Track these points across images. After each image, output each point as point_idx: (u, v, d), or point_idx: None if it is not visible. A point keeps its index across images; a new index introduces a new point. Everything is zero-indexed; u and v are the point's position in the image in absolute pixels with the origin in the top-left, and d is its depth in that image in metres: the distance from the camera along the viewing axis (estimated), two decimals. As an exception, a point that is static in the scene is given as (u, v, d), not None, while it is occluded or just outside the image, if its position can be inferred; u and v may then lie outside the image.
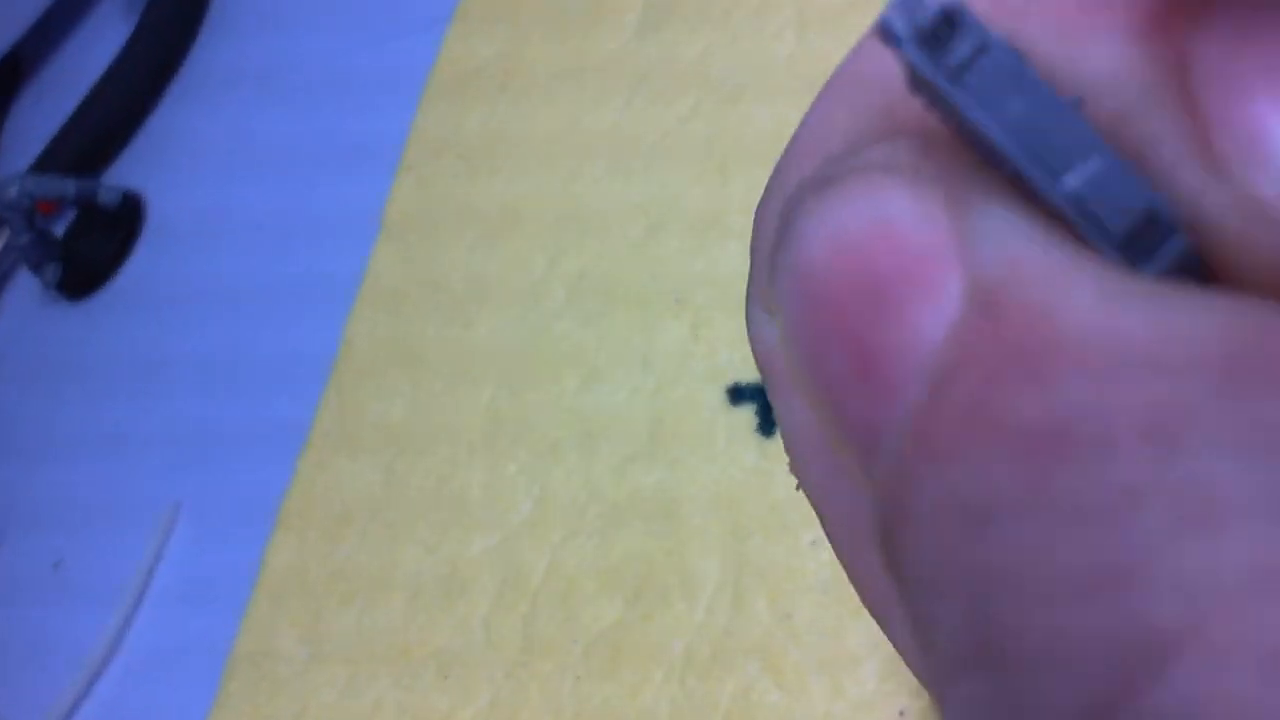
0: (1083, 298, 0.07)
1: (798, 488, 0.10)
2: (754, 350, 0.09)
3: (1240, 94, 0.07)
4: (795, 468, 0.09)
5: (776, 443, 0.34)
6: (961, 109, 0.07)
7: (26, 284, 0.59)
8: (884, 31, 0.08)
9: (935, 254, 0.07)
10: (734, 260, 0.38)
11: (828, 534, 0.10)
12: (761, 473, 0.34)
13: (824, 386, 0.08)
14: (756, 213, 0.09)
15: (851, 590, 0.32)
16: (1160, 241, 0.07)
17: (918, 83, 0.08)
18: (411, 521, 0.38)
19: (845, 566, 0.10)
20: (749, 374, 0.36)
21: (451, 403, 0.40)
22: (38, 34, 0.67)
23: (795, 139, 0.09)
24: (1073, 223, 0.07)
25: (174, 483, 0.46)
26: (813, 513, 0.33)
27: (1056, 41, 0.07)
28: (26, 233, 0.53)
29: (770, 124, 0.40)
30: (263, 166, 0.53)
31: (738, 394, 0.35)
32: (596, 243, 0.41)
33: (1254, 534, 0.06)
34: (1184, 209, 0.07)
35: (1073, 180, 0.07)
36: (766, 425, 0.34)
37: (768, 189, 0.09)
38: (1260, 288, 0.07)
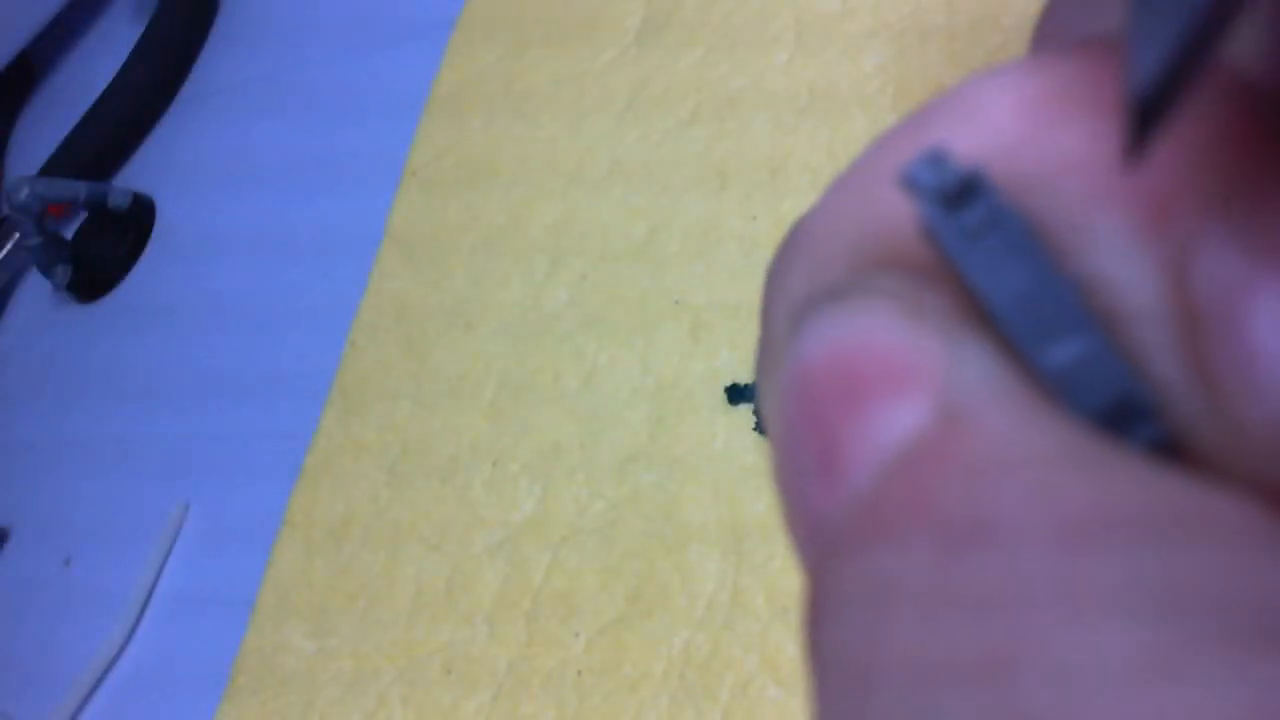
0: (1034, 431, 0.07)
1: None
2: (765, 423, 0.10)
3: (1241, 314, 0.07)
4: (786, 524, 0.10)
5: (774, 442, 0.34)
6: (968, 272, 0.08)
7: (37, 286, 0.59)
8: (906, 183, 0.08)
9: (914, 370, 0.08)
10: (732, 263, 0.38)
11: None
12: (760, 471, 0.34)
13: (789, 472, 0.08)
14: (765, 290, 0.10)
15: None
16: (1135, 425, 0.07)
17: (929, 236, 0.08)
18: (415, 520, 0.39)
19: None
20: (747, 374, 0.36)
21: (454, 403, 0.40)
22: (47, 39, 0.68)
23: (804, 233, 0.10)
24: (1054, 392, 0.07)
25: (182, 485, 0.47)
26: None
27: (1068, 217, 0.08)
28: (37, 235, 0.54)
29: (768, 130, 0.40)
30: (269, 173, 0.54)
31: (737, 394, 0.36)
32: (597, 246, 0.41)
33: (1131, 626, 0.06)
34: (1166, 405, 0.07)
35: (1058, 355, 0.07)
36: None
37: (774, 272, 0.10)
38: (1230, 480, 0.07)
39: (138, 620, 0.44)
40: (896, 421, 0.08)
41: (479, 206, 0.44)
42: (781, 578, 0.32)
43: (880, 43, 0.39)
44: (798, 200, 0.38)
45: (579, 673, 0.33)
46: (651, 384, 0.37)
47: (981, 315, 0.08)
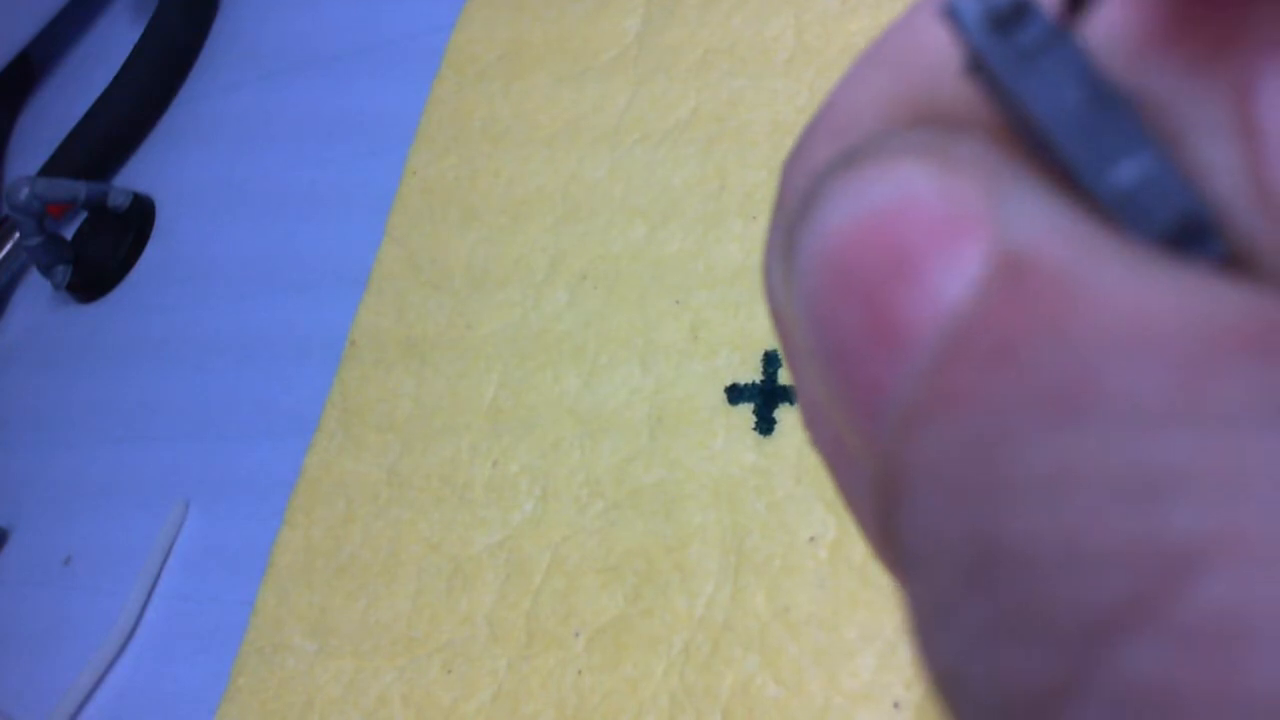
0: (1111, 266, 0.07)
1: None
2: (769, 308, 0.09)
3: None
4: (807, 425, 0.10)
5: (774, 441, 0.34)
6: (1021, 96, 0.07)
7: (37, 286, 0.59)
8: (951, 10, 0.08)
9: (962, 222, 0.07)
10: (733, 262, 0.38)
11: (839, 491, 0.10)
12: (760, 471, 0.34)
13: (833, 348, 0.08)
14: (784, 169, 0.09)
15: (848, 584, 0.32)
16: (1200, 245, 0.07)
17: (976, 66, 0.08)
18: (415, 519, 0.39)
19: (857, 521, 0.10)
20: (747, 374, 0.36)
21: (454, 402, 0.40)
22: (47, 39, 0.68)
23: (827, 106, 0.09)
24: (1115, 217, 0.07)
25: (182, 485, 0.47)
26: (810, 510, 0.33)
27: (1122, 46, 0.08)
28: (37, 235, 0.54)
29: (768, 129, 0.40)
30: (269, 173, 0.54)
31: (736, 393, 0.36)
32: (597, 244, 0.41)
33: (1256, 501, 0.06)
34: (1228, 225, 0.07)
35: (1121, 174, 0.07)
36: (764, 424, 0.35)
37: (796, 149, 0.09)
38: None
39: (138, 620, 0.44)
40: (954, 275, 0.07)
41: (479, 207, 0.44)
42: (781, 578, 0.32)
43: (880, 42, 0.39)
44: (798, 200, 0.38)
45: (579, 672, 0.33)
46: (651, 384, 0.37)
47: (1022, 157, 0.08)
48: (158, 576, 0.45)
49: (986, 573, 0.06)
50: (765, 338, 0.36)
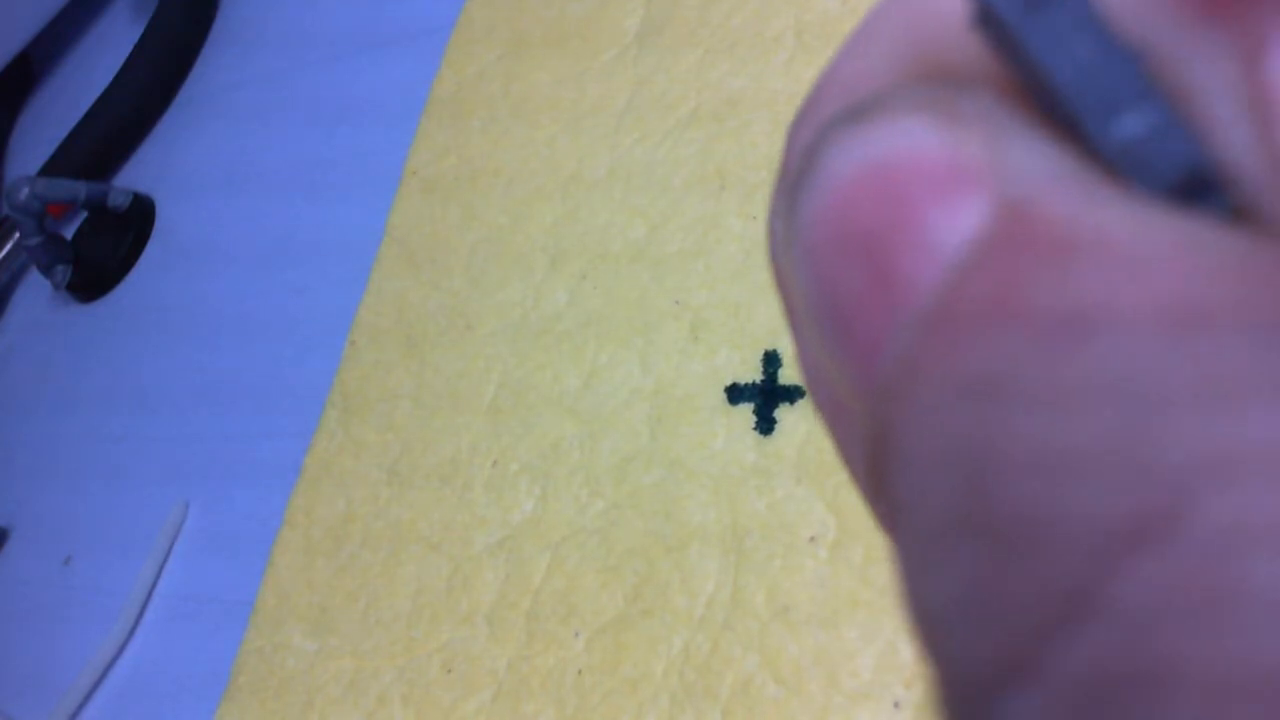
0: (1112, 211, 0.07)
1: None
2: (772, 270, 0.09)
3: None
4: (808, 387, 0.10)
5: (774, 441, 0.35)
6: (1029, 45, 0.07)
7: (37, 286, 0.59)
8: None
9: (963, 170, 0.07)
10: (732, 262, 0.38)
11: (839, 452, 0.10)
12: (760, 471, 0.34)
13: (832, 302, 0.08)
14: (789, 130, 0.09)
15: (848, 584, 0.32)
16: (1204, 199, 0.07)
17: (983, 16, 0.08)
18: (415, 520, 0.39)
19: (854, 480, 0.10)
20: (747, 374, 0.36)
21: (454, 402, 0.41)
22: (47, 39, 0.68)
23: (832, 66, 0.09)
24: (1120, 170, 0.07)
25: (182, 484, 0.47)
26: (810, 510, 0.33)
27: (1132, 3, 0.08)
28: (37, 235, 0.54)
29: (768, 129, 0.40)
30: (269, 173, 0.54)
31: (736, 393, 0.36)
32: (597, 245, 0.41)
33: (1258, 414, 0.06)
34: (1234, 179, 0.07)
35: (1127, 127, 0.07)
36: (764, 424, 0.35)
37: (801, 109, 0.09)
38: None
39: (138, 620, 0.44)
40: (954, 225, 0.07)
41: (479, 207, 0.44)
42: (781, 578, 0.32)
43: (880, 43, 0.39)
44: (797, 200, 0.38)
45: (579, 672, 0.33)
46: (651, 384, 0.37)
47: (1027, 111, 0.08)
48: (158, 576, 0.45)
49: (981, 506, 0.06)
50: (765, 338, 0.36)
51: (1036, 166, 0.07)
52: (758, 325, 0.37)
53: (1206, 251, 0.06)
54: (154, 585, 0.44)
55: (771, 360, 0.36)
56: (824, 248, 0.08)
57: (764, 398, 0.35)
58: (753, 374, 0.36)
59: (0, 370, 0.58)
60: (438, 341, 0.42)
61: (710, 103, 0.41)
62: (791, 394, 0.35)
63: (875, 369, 0.07)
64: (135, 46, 0.61)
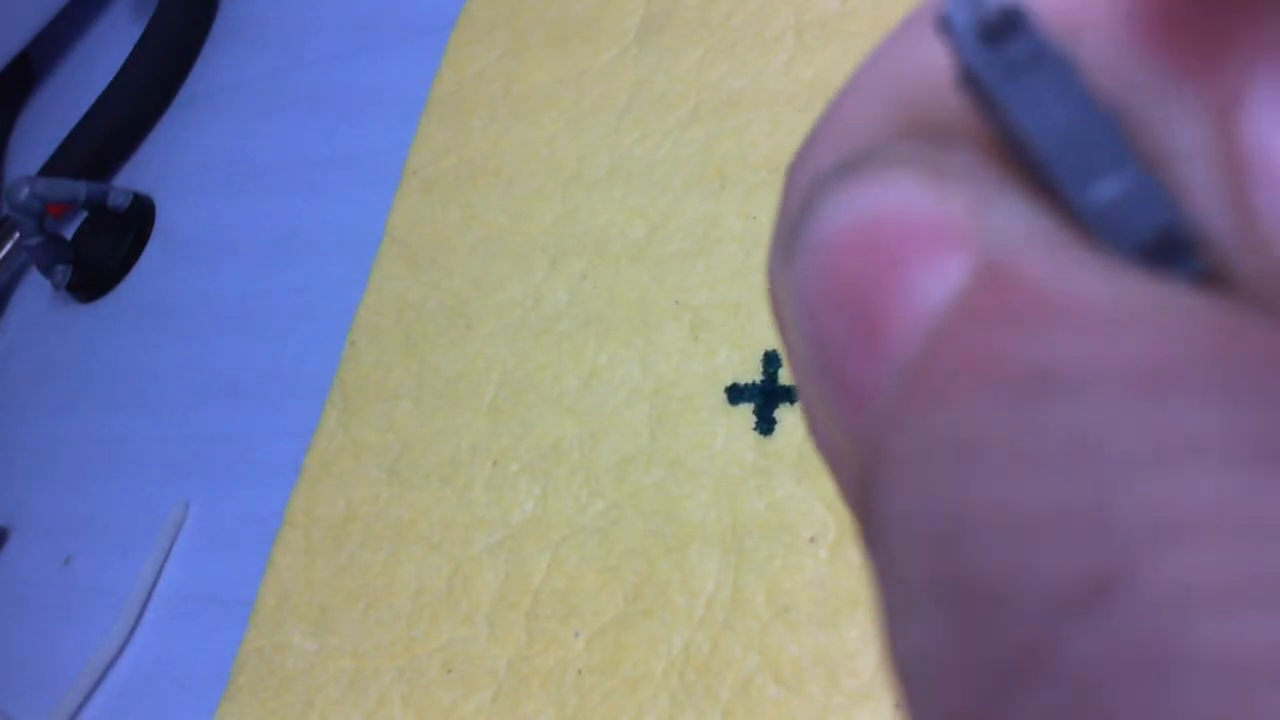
0: (1085, 274, 0.07)
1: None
2: (772, 311, 0.10)
3: None
4: (809, 428, 0.10)
5: (774, 441, 0.34)
6: (1008, 108, 0.08)
7: (37, 286, 0.59)
8: (944, 23, 0.08)
9: (946, 229, 0.08)
10: (732, 262, 0.38)
11: (839, 490, 0.10)
12: (760, 471, 0.34)
13: (824, 352, 0.08)
14: (786, 174, 0.10)
15: (848, 584, 0.32)
16: (1177, 260, 0.07)
17: (967, 77, 0.08)
18: (415, 520, 0.39)
19: (853, 519, 0.10)
20: (747, 374, 0.36)
21: (454, 403, 0.40)
22: (47, 39, 0.68)
23: (827, 114, 0.10)
24: (1096, 231, 0.07)
25: (182, 484, 0.47)
26: (810, 510, 0.33)
27: (1111, 60, 0.08)
28: (37, 235, 0.54)
29: (767, 129, 0.40)
30: (269, 172, 0.54)
31: (736, 394, 0.36)
32: (597, 245, 0.41)
33: (1206, 476, 0.06)
34: (1206, 242, 0.07)
35: (1103, 190, 0.07)
36: (764, 424, 0.35)
37: (797, 156, 0.10)
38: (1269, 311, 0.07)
39: (138, 620, 0.44)
40: (937, 282, 0.07)
41: (479, 207, 0.44)
42: (781, 578, 0.32)
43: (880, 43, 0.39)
44: (797, 200, 0.38)
45: (579, 672, 0.33)
46: (651, 384, 0.37)
47: (1009, 169, 0.08)
48: (158, 576, 0.45)
49: (950, 565, 0.07)
50: (765, 338, 0.36)
51: (1015, 227, 0.07)
52: (758, 325, 0.37)
53: (1172, 315, 0.07)
54: (154, 585, 0.44)
55: (771, 360, 0.36)
56: (817, 300, 0.08)
57: (764, 398, 0.35)
58: (753, 374, 0.36)
59: (0, 370, 0.58)
60: (438, 341, 0.42)
61: (710, 102, 0.41)
62: (791, 394, 0.35)
63: (863, 422, 0.08)
64: (135, 46, 0.61)
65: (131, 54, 0.60)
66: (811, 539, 0.33)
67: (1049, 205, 0.08)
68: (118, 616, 0.44)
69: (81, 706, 0.43)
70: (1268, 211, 0.07)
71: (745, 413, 0.35)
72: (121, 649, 0.44)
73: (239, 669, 0.39)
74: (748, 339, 0.36)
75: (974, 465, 0.07)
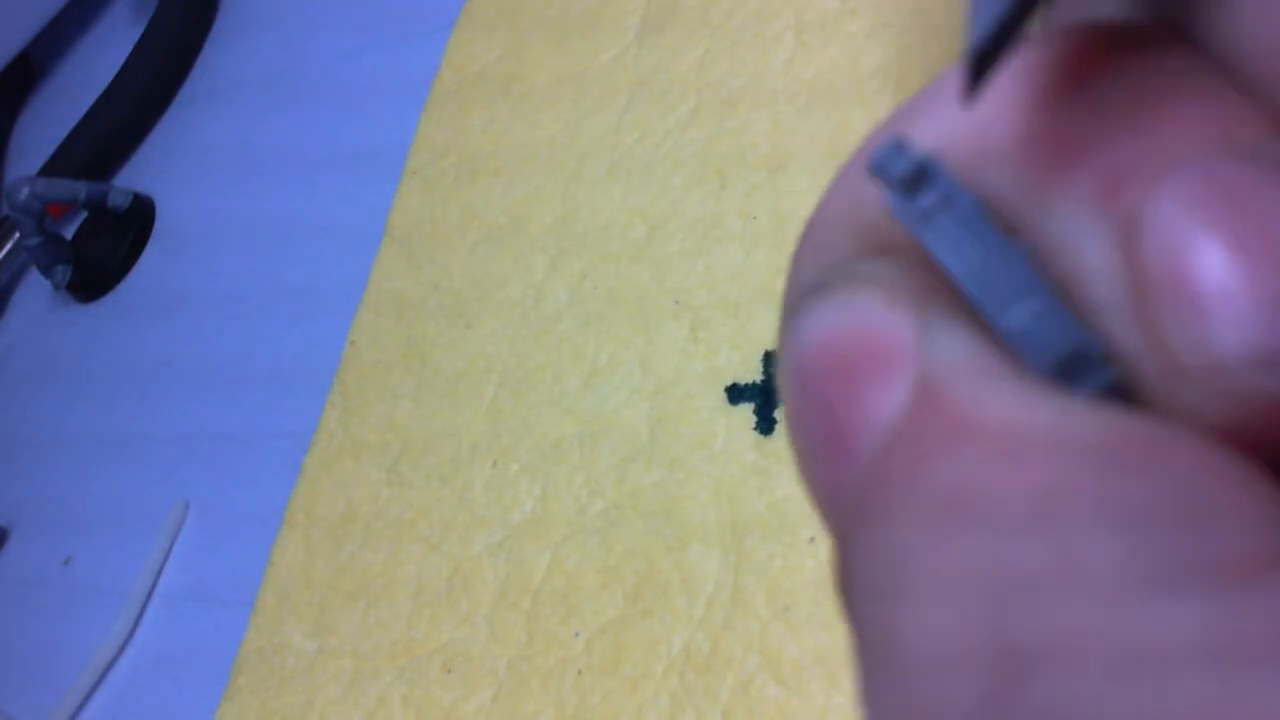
0: (1001, 396, 0.08)
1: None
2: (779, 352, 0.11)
3: (1183, 274, 0.07)
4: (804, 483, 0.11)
5: (774, 441, 0.34)
6: (928, 248, 0.09)
7: (37, 286, 0.60)
8: (871, 171, 0.09)
9: (897, 352, 0.08)
10: (732, 262, 0.38)
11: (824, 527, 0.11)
12: (760, 471, 0.34)
13: (804, 452, 0.09)
14: (790, 265, 0.11)
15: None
16: (1088, 373, 0.08)
17: (895, 217, 0.09)
18: (415, 520, 0.39)
19: None
20: (747, 374, 0.36)
21: (454, 403, 0.40)
22: (47, 39, 0.68)
23: (811, 221, 0.11)
24: (1015, 351, 0.08)
25: (182, 483, 0.47)
26: (810, 510, 0.33)
27: (1022, 186, 0.09)
28: (37, 235, 0.54)
29: (768, 128, 0.40)
30: (269, 171, 0.54)
31: (736, 393, 0.36)
32: (597, 245, 0.41)
33: (1086, 605, 0.07)
34: (1116, 354, 0.08)
35: (1014, 317, 0.08)
36: (765, 424, 0.35)
37: (791, 259, 0.11)
38: (1177, 420, 0.08)
39: (138, 619, 0.44)
40: (886, 400, 0.08)
41: (479, 205, 0.44)
42: (782, 578, 0.32)
43: (880, 42, 0.39)
44: (798, 200, 0.38)
45: (579, 672, 0.33)
46: (651, 384, 0.37)
47: (951, 290, 0.09)
48: (158, 575, 0.45)
49: (886, 669, 0.08)
50: (765, 338, 0.36)
51: (951, 349, 0.08)
52: (758, 325, 0.37)
53: (1074, 438, 0.07)
54: (154, 585, 0.44)
55: (771, 360, 0.36)
56: (794, 400, 0.09)
57: (764, 398, 0.35)
58: (753, 374, 0.36)
59: (0, 370, 0.58)
60: (438, 341, 0.42)
61: (710, 102, 0.41)
62: (791, 394, 0.35)
63: (831, 512, 0.09)
64: (135, 46, 0.61)
65: (131, 54, 0.61)
66: (812, 539, 0.33)
67: (979, 323, 0.09)
68: (118, 616, 0.44)
69: (81, 706, 0.43)
70: (1168, 322, 0.08)
71: (745, 412, 0.35)
72: (121, 648, 0.44)
73: (239, 668, 0.39)
74: (748, 339, 0.36)
75: (898, 592, 0.08)
